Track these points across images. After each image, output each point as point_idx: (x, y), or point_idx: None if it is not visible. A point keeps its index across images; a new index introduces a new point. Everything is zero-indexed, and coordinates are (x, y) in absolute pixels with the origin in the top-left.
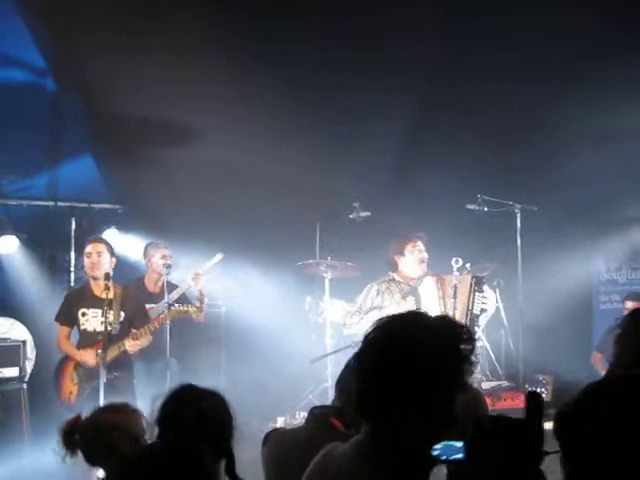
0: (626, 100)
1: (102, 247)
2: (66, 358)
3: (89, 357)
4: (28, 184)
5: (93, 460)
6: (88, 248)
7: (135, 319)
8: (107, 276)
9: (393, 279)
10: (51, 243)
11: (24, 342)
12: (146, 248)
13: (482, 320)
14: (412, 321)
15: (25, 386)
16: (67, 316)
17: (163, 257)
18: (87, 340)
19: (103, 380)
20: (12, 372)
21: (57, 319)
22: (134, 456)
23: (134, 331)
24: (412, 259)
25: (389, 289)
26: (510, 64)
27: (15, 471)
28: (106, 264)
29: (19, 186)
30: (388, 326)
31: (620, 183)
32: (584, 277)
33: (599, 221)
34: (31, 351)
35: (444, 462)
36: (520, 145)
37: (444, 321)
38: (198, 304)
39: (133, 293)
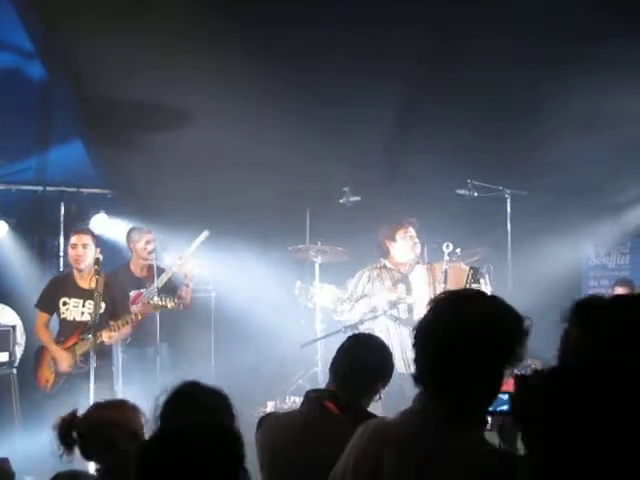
0: (617, 84)
1: (88, 239)
2: (45, 345)
3: (63, 358)
4: (17, 168)
5: (90, 455)
6: (73, 239)
7: (116, 310)
8: (97, 261)
9: (384, 266)
10: (40, 228)
11: (14, 327)
12: (129, 233)
13: None
14: (481, 299)
15: (15, 371)
16: (48, 303)
17: (147, 242)
18: (67, 329)
19: (93, 365)
20: (2, 357)
21: (37, 305)
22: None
23: (112, 323)
24: (404, 244)
25: (380, 276)
26: (501, 49)
27: (6, 455)
28: (91, 256)
29: (7, 171)
30: (457, 303)
31: (610, 168)
32: (573, 262)
33: (589, 206)
34: (21, 336)
35: (491, 414)
36: (510, 130)
37: (503, 302)
38: (184, 287)
39: (117, 283)
